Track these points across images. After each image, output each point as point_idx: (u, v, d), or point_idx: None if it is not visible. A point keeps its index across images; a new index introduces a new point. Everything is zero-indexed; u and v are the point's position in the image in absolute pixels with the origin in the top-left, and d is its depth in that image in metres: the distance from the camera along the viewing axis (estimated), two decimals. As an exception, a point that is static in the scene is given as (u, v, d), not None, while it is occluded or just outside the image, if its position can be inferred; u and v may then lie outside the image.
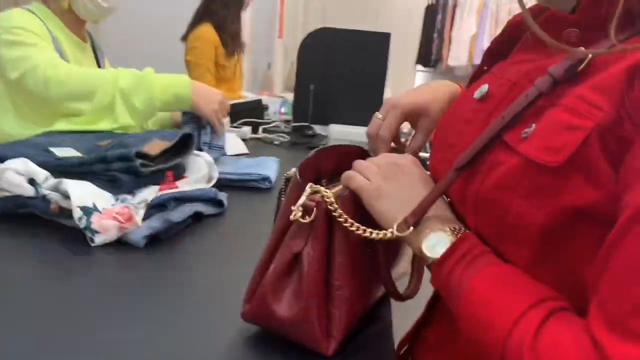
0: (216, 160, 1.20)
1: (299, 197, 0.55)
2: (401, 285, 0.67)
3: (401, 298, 0.63)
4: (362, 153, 0.69)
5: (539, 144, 0.44)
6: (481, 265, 0.47)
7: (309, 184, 0.55)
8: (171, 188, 0.91)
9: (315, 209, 0.54)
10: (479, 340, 0.44)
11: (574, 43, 0.47)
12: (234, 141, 1.44)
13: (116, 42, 3.15)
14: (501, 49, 0.61)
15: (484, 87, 0.56)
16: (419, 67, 5.82)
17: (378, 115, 0.71)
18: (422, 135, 0.70)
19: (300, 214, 0.53)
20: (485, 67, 0.62)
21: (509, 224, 0.46)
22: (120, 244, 0.81)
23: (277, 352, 0.57)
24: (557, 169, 0.42)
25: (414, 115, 0.70)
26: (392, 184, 0.56)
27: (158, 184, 0.89)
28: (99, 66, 1.41)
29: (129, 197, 0.84)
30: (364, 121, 1.88)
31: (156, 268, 0.78)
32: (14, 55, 1.09)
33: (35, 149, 0.91)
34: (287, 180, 0.63)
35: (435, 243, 0.50)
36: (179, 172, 0.96)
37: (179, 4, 2.82)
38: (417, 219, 0.52)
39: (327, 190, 0.54)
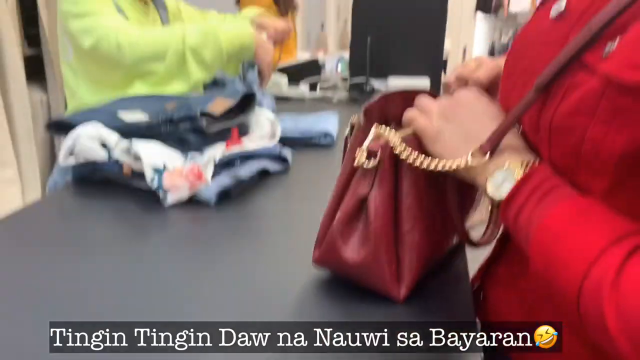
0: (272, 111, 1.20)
1: (363, 142, 0.53)
2: (478, 233, 0.65)
3: (475, 245, 0.61)
4: (431, 96, 0.65)
5: (622, 61, 0.39)
6: (553, 201, 0.43)
7: (374, 126, 0.53)
8: (237, 145, 0.91)
9: (379, 151, 0.52)
10: (553, 282, 0.41)
11: None
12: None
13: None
14: None
15: (562, 3, 0.50)
16: (479, 14, 5.55)
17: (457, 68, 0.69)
18: (487, 70, 0.67)
19: (364, 158, 0.52)
20: None
21: (585, 152, 0.42)
22: (192, 202, 0.83)
23: (349, 298, 0.56)
24: (636, 88, 0.38)
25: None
26: (453, 123, 0.52)
27: (225, 142, 0.89)
28: (163, 24, 1.42)
29: (197, 155, 0.85)
30: (423, 72, 1.83)
31: (228, 224, 0.79)
32: (84, 25, 1.13)
33: (105, 115, 0.93)
34: (352, 127, 0.62)
35: (502, 181, 0.47)
36: (244, 130, 0.97)
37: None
38: (494, 145, 0.48)
39: (393, 132, 0.52)
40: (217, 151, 0.86)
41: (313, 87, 1.85)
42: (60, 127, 0.94)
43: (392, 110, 0.62)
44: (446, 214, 0.58)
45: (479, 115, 0.52)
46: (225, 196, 0.85)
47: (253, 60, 1.25)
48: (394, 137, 0.52)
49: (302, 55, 2.56)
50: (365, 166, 0.52)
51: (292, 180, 0.99)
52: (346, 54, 2.07)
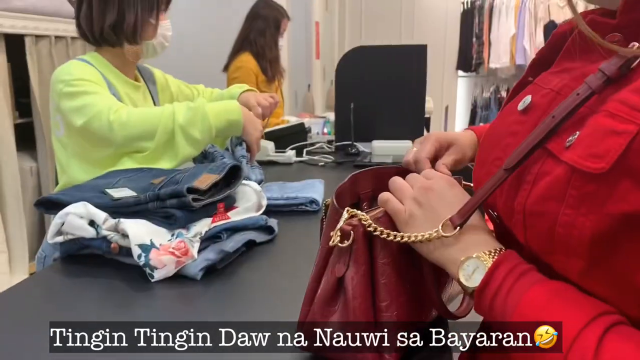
0: (260, 182, 1.24)
1: (337, 223, 0.56)
2: (456, 305, 0.66)
3: (453, 317, 0.62)
4: (400, 172, 0.69)
5: (583, 151, 0.43)
6: (524, 287, 0.45)
7: (346, 209, 0.56)
8: (223, 219, 0.93)
9: (352, 232, 0.54)
10: None
11: (614, 50, 0.46)
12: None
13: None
14: (545, 59, 0.60)
15: (527, 98, 0.55)
16: (460, 72, 5.75)
17: (412, 147, 0.76)
18: (451, 157, 0.74)
19: (338, 239, 0.54)
20: (530, 79, 0.61)
21: (559, 235, 0.45)
22: (179, 277, 0.84)
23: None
24: (603, 175, 0.41)
25: (446, 144, 0.75)
26: (425, 209, 0.55)
27: (211, 217, 0.92)
28: (155, 103, 1.47)
29: (184, 231, 0.87)
30: (406, 135, 1.89)
31: (213, 299, 0.80)
32: (77, 104, 1.16)
33: (93, 192, 0.96)
34: (327, 206, 0.64)
35: (472, 271, 0.49)
36: (230, 203, 0.99)
37: (219, 35, 2.91)
38: (464, 219, 0.51)
39: (364, 214, 0.55)
40: (204, 226, 0.88)
41: (300, 151, 1.89)
42: (48, 204, 0.96)
43: (363, 188, 0.66)
44: (423, 288, 0.60)
45: (449, 201, 0.55)
46: (211, 269, 0.87)
47: (241, 137, 1.28)
48: (367, 219, 0.54)
49: (289, 117, 2.63)
50: (340, 245, 0.54)
51: (279, 249, 1.01)
52: (332, 115, 2.14)
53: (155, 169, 1.11)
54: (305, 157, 1.87)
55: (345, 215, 0.55)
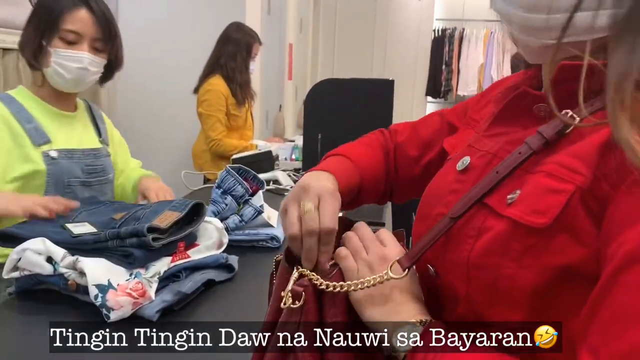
0: (244, 222, 1.24)
1: (286, 282, 0.57)
2: None
3: None
4: (346, 224, 0.68)
5: (526, 207, 0.47)
6: (444, 352, 0.48)
7: (295, 267, 0.57)
8: (183, 258, 0.94)
9: (303, 293, 0.55)
10: None
11: (543, 117, 0.51)
12: (269, 210, 1.36)
13: (131, 97, 3.28)
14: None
15: (466, 159, 0.59)
16: (429, 98, 5.88)
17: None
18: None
19: (290, 300, 0.55)
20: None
21: (501, 287, 0.48)
22: (135, 317, 0.85)
23: None
24: (544, 230, 0.45)
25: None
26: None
27: (171, 255, 0.92)
28: (101, 135, 1.41)
29: (142, 271, 0.87)
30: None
31: (169, 342, 0.80)
32: None
33: (52, 226, 0.95)
34: (277, 262, 0.66)
35: (407, 336, 0.51)
36: (191, 241, 1.00)
37: (190, 57, 2.92)
38: (412, 262, 0.54)
39: (314, 274, 0.56)
40: (163, 265, 0.89)
41: (267, 182, 1.91)
42: (5, 237, 0.95)
43: None
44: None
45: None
46: (168, 309, 0.87)
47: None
48: (315, 277, 0.56)
49: (258, 142, 2.64)
50: (291, 306, 0.55)
51: (238, 288, 1.02)
52: (301, 140, 2.16)
53: (116, 203, 1.12)
54: (271, 186, 1.89)
55: (295, 274, 0.57)
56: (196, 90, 2.64)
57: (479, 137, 0.61)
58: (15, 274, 0.91)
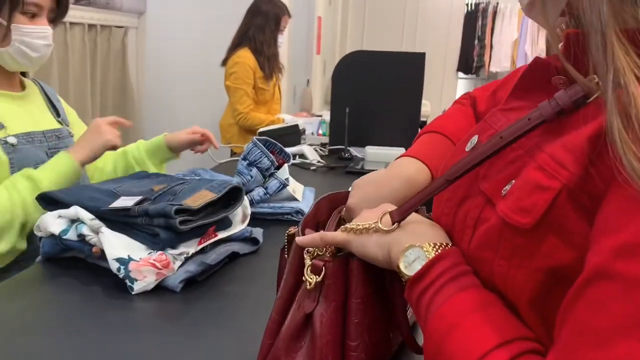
0: (269, 195, 1.22)
1: (300, 258, 0.56)
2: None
3: (420, 350, 0.62)
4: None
5: (513, 203, 0.43)
6: (454, 289, 0.45)
7: (306, 252, 0.56)
8: (211, 239, 0.92)
9: (324, 267, 0.53)
10: None
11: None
12: (294, 183, 1.35)
13: (159, 70, 3.28)
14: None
15: (474, 139, 0.55)
16: (460, 74, 5.74)
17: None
18: None
19: (314, 279, 0.53)
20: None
21: (496, 284, 0.45)
22: (158, 288, 0.84)
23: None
24: (530, 230, 0.41)
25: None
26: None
27: (198, 238, 0.90)
28: (57, 113, 1.29)
29: (169, 249, 0.86)
30: (399, 142, 1.90)
31: (192, 313, 0.80)
32: None
33: (93, 192, 0.95)
34: (290, 236, 0.64)
35: (413, 260, 0.49)
36: (224, 227, 0.96)
37: (219, 30, 2.89)
38: (402, 216, 0.52)
39: (322, 251, 0.55)
40: (190, 247, 0.88)
41: (292, 155, 1.89)
42: (48, 200, 0.96)
43: (321, 215, 0.66)
44: (392, 322, 0.59)
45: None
46: (192, 281, 0.87)
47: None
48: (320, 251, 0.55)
49: (285, 116, 2.62)
50: (310, 285, 0.53)
51: (262, 261, 1.01)
52: (329, 114, 2.13)
53: (162, 175, 1.10)
54: (297, 160, 1.86)
55: (308, 262, 0.55)
56: (224, 63, 2.62)
57: (494, 111, 0.57)
58: (40, 233, 0.92)
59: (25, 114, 1.18)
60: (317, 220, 0.63)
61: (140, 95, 3.24)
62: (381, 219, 0.53)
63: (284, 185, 1.24)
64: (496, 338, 0.41)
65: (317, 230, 0.62)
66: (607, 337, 0.33)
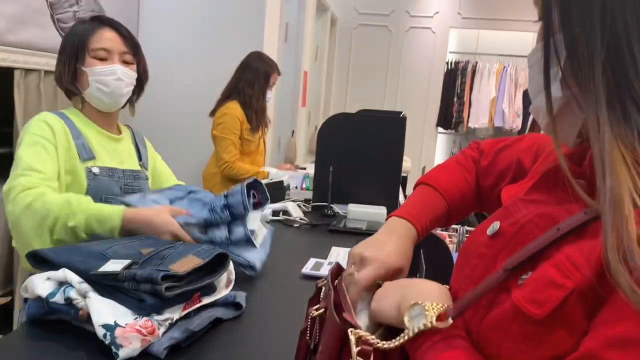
0: (230, 241, 1.22)
1: (339, 341, 0.58)
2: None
3: None
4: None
5: (528, 294, 0.48)
6: (445, 347, 0.51)
7: (350, 332, 0.56)
8: (196, 304, 0.94)
9: (372, 354, 0.55)
10: None
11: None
12: (258, 227, 1.34)
13: (147, 118, 3.32)
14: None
15: (496, 225, 0.60)
16: (440, 129, 5.91)
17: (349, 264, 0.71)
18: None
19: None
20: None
21: None
22: (143, 353, 0.85)
23: None
24: (540, 321, 0.46)
25: (391, 273, 0.70)
26: (393, 285, 0.62)
27: (183, 304, 0.92)
28: (141, 159, 1.49)
29: (154, 315, 0.88)
30: (380, 200, 1.95)
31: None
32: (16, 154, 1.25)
33: (82, 256, 0.96)
34: (319, 289, 0.67)
35: (416, 315, 0.54)
36: (208, 292, 0.99)
37: (210, 81, 2.96)
38: (458, 312, 0.54)
39: (371, 336, 0.56)
40: (174, 312, 0.89)
41: (276, 212, 1.93)
42: (37, 258, 0.98)
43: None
44: None
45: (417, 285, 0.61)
46: (176, 347, 0.88)
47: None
48: (371, 338, 0.56)
49: (270, 169, 2.66)
50: None
51: (243, 325, 1.02)
52: (312, 168, 2.18)
53: (152, 238, 1.12)
54: (281, 217, 1.90)
55: (352, 338, 0.56)
56: (212, 114, 2.68)
57: (517, 200, 0.61)
58: (26, 295, 0.93)
59: (115, 153, 1.41)
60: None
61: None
62: (436, 319, 0.53)
63: (247, 239, 1.23)
64: None
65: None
66: None
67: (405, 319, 0.54)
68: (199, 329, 0.92)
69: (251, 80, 2.66)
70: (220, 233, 1.22)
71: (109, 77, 1.34)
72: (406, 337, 0.54)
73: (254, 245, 1.26)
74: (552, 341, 0.45)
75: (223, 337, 0.96)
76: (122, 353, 0.83)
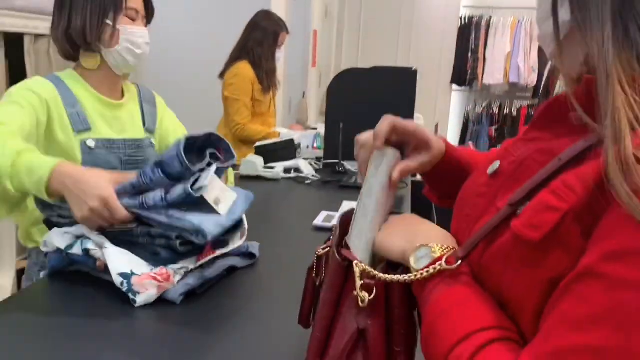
0: (165, 202, 0.91)
1: (341, 277, 0.59)
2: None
3: None
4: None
5: (526, 220, 0.49)
6: (451, 283, 0.53)
7: (355, 263, 0.57)
8: (210, 255, 0.97)
9: (374, 286, 0.57)
10: (429, 351, 0.51)
11: (578, 126, 0.50)
12: (223, 191, 1.02)
13: (159, 80, 3.32)
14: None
15: (496, 164, 0.60)
16: (454, 86, 5.82)
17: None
18: (420, 160, 0.71)
19: (366, 297, 0.56)
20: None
21: (502, 295, 0.51)
22: (159, 300, 0.89)
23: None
24: (537, 244, 0.47)
25: (418, 140, 0.71)
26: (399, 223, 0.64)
27: (197, 255, 0.95)
28: (145, 123, 1.38)
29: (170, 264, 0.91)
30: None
31: (191, 326, 0.84)
32: None
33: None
34: (319, 257, 0.68)
35: (422, 256, 0.56)
36: (221, 245, 1.01)
37: (218, 42, 2.95)
38: (467, 253, 0.55)
39: (371, 269, 0.57)
40: (189, 263, 0.92)
41: (288, 169, 1.94)
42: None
43: (348, 225, 0.67)
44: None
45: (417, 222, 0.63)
46: (192, 294, 0.91)
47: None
48: (378, 274, 0.57)
49: (281, 129, 2.67)
50: (364, 303, 0.56)
51: (259, 274, 1.05)
52: (323, 128, 2.18)
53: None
54: (293, 174, 1.92)
55: (357, 272, 0.57)
56: (222, 75, 2.67)
57: (515, 141, 0.62)
58: (45, 249, 0.96)
59: (115, 121, 1.30)
60: (345, 233, 0.65)
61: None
62: (445, 259, 0.54)
63: (187, 195, 0.91)
64: (479, 324, 0.49)
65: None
66: (585, 324, 0.41)
67: (412, 260, 0.55)
68: (214, 276, 0.95)
69: (260, 40, 2.63)
70: (154, 194, 0.92)
71: (140, 39, 1.28)
72: (412, 277, 0.55)
73: (211, 210, 0.95)
74: (550, 263, 0.46)
75: (237, 284, 1.00)
76: (139, 299, 0.86)
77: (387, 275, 0.57)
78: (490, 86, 5.66)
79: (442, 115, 5.73)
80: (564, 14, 0.52)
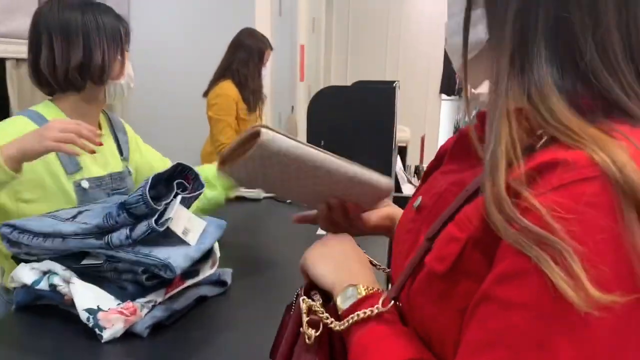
0: (130, 240, 0.90)
1: (297, 312, 0.61)
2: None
3: None
4: None
5: (434, 254, 0.50)
6: (372, 323, 0.54)
7: (302, 299, 0.59)
8: (179, 286, 0.96)
9: (320, 323, 0.58)
10: None
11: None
12: (191, 221, 1.02)
13: (141, 100, 3.33)
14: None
15: (419, 199, 0.62)
16: (444, 96, 5.85)
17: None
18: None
19: (312, 333, 0.57)
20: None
21: (426, 329, 0.51)
22: (126, 333, 0.88)
23: None
24: (446, 276, 0.48)
25: None
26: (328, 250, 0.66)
27: (165, 287, 0.94)
28: (122, 152, 1.36)
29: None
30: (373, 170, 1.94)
31: (159, 356, 0.84)
32: None
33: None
34: (298, 295, 0.67)
35: (349, 296, 0.57)
36: (191, 276, 0.99)
37: (203, 59, 2.95)
38: (397, 293, 0.56)
39: (318, 306, 0.59)
40: (158, 296, 0.92)
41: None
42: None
43: None
44: None
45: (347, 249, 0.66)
46: (160, 325, 0.91)
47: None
48: (320, 310, 0.58)
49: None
50: (310, 340, 0.57)
51: (229, 303, 1.04)
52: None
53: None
54: (273, 194, 1.91)
55: (304, 307, 0.59)
56: (206, 94, 2.67)
57: (436, 174, 0.63)
58: (12, 284, 0.96)
59: (99, 155, 1.26)
60: None
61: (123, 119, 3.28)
62: (381, 302, 0.55)
63: (152, 230, 0.90)
64: (403, 355, 0.49)
65: None
66: (482, 347, 0.42)
67: (339, 300, 0.57)
68: (182, 307, 0.94)
69: (245, 60, 2.63)
70: (119, 233, 0.90)
71: (132, 72, 1.29)
72: (352, 321, 0.55)
73: (180, 241, 0.96)
74: (460, 293, 0.47)
75: (207, 315, 0.99)
76: (105, 334, 0.86)
77: (328, 320, 0.58)
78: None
79: (432, 124, 5.75)
80: (478, 32, 0.53)
